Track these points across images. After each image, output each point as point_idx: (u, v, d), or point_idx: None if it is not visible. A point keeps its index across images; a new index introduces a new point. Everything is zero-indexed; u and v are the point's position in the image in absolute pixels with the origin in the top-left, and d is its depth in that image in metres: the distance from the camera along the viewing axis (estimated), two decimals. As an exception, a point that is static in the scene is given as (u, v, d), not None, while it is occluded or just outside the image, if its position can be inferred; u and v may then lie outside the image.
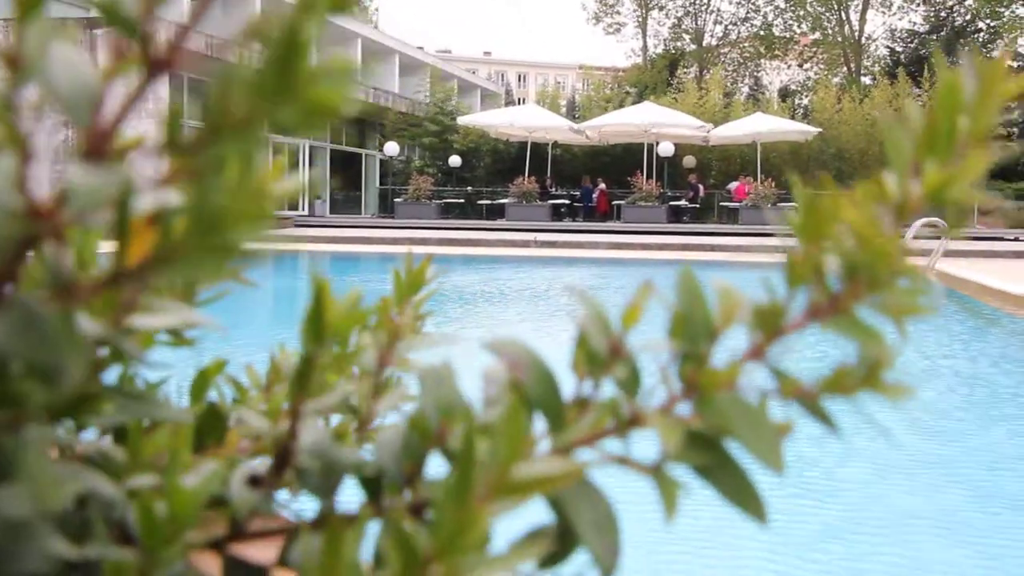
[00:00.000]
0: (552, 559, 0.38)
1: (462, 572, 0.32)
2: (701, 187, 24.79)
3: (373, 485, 0.46)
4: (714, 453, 0.34)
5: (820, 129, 24.24)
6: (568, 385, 0.40)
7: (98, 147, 0.30)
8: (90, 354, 0.37)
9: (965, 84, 0.31)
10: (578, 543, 0.37)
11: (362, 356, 0.52)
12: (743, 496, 0.34)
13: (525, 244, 17.32)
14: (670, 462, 0.34)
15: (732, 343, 0.36)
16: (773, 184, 22.38)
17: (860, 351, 0.32)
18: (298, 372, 0.47)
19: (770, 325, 0.32)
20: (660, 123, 22.94)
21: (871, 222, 0.30)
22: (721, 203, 24.85)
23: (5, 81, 0.31)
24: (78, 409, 0.41)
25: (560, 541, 0.37)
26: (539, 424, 0.38)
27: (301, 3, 0.29)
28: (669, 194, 24.28)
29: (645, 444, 0.38)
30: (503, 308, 9.27)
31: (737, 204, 23.13)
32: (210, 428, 0.57)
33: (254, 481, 0.48)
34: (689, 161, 25.89)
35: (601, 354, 0.36)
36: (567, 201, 25.26)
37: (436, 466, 0.45)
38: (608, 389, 0.38)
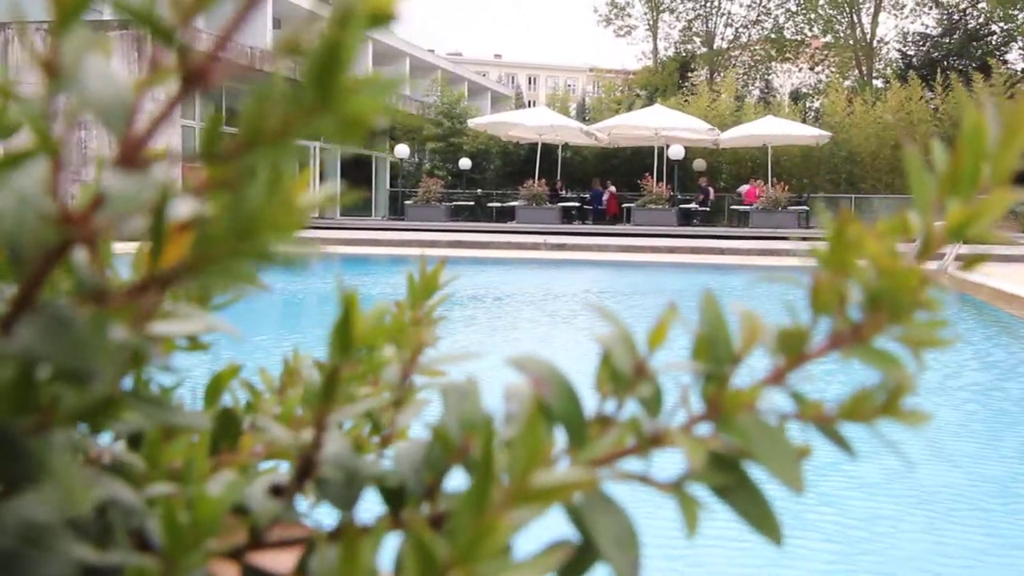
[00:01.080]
0: (570, 572, 0.38)
1: (479, 580, 0.32)
2: (711, 190, 24.74)
3: (394, 497, 0.46)
4: (733, 474, 0.34)
5: (831, 133, 24.15)
6: (588, 400, 0.40)
7: (131, 156, 0.31)
8: (121, 360, 0.38)
9: (989, 127, 0.31)
10: (597, 558, 0.37)
11: (385, 368, 0.53)
12: (760, 517, 0.34)
13: (535, 247, 17.32)
14: (690, 481, 0.34)
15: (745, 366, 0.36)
16: (784, 188, 22.32)
17: (881, 378, 0.32)
18: (324, 383, 0.48)
19: (793, 350, 0.33)
20: (670, 127, 22.92)
21: (894, 256, 0.31)
22: (731, 206, 24.79)
23: (41, 89, 0.31)
24: (100, 414, 0.42)
25: (580, 556, 0.37)
26: (561, 442, 0.38)
27: (339, 17, 0.30)
28: (679, 197, 24.25)
29: (658, 465, 0.38)
30: (513, 310, 9.26)
31: (747, 207, 23.07)
32: (224, 432, 0.57)
33: (276, 491, 0.48)
34: (699, 164, 25.84)
35: (626, 374, 0.37)
36: (577, 204, 25.26)
37: (457, 483, 0.45)
38: (627, 409, 0.38)
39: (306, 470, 0.47)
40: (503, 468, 0.33)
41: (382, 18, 0.30)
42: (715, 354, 0.34)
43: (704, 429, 0.35)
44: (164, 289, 0.33)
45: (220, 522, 0.39)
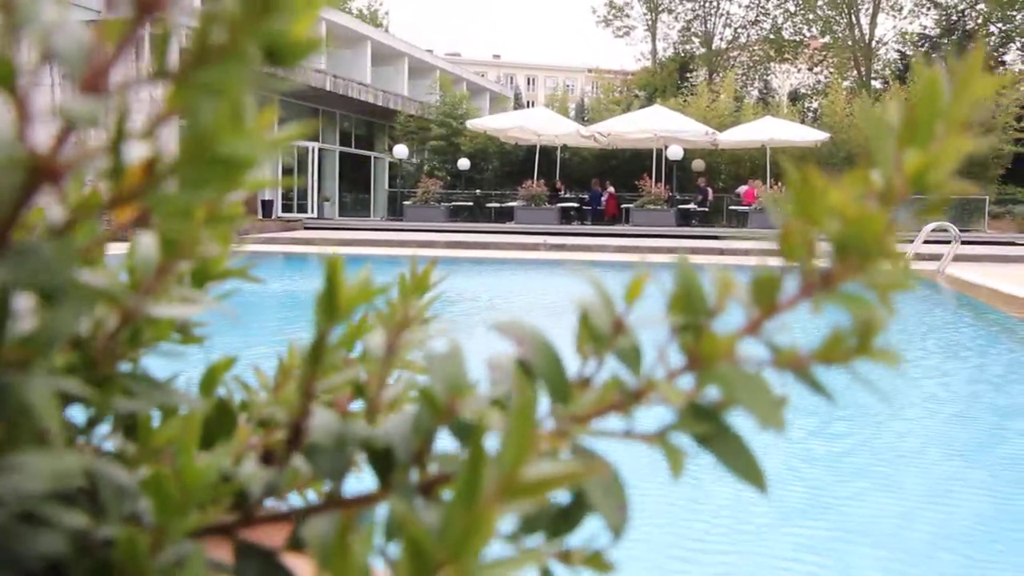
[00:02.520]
0: (562, 528, 0.39)
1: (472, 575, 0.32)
2: (710, 191, 24.76)
3: (382, 461, 0.46)
4: (714, 423, 0.35)
5: (829, 134, 24.17)
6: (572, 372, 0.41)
7: (94, 83, 0.31)
8: (92, 291, 0.37)
9: (943, 80, 0.32)
10: (587, 511, 0.38)
11: (370, 338, 0.53)
12: (743, 465, 0.35)
13: (534, 247, 17.33)
14: (673, 431, 0.35)
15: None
16: (783, 188, 22.33)
17: (852, 320, 0.33)
18: (311, 350, 0.48)
19: (766, 299, 0.33)
20: (668, 129, 22.96)
21: (859, 204, 0.31)
22: (730, 207, 24.81)
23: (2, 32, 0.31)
24: (98, 388, 0.42)
25: (570, 511, 0.38)
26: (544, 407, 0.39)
27: None
28: (678, 197, 24.28)
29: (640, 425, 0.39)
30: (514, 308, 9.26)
31: (746, 208, 23.10)
32: (219, 424, 0.57)
33: (266, 459, 0.48)
34: (698, 165, 25.86)
35: (604, 330, 0.37)
36: (576, 204, 25.29)
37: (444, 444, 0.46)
38: (607, 374, 0.38)
39: (295, 437, 0.48)
40: (493, 451, 0.33)
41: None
42: (691, 305, 0.35)
43: (685, 382, 0.36)
44: (131, 203, 0.33)
45: (208, 488, 0.39)
